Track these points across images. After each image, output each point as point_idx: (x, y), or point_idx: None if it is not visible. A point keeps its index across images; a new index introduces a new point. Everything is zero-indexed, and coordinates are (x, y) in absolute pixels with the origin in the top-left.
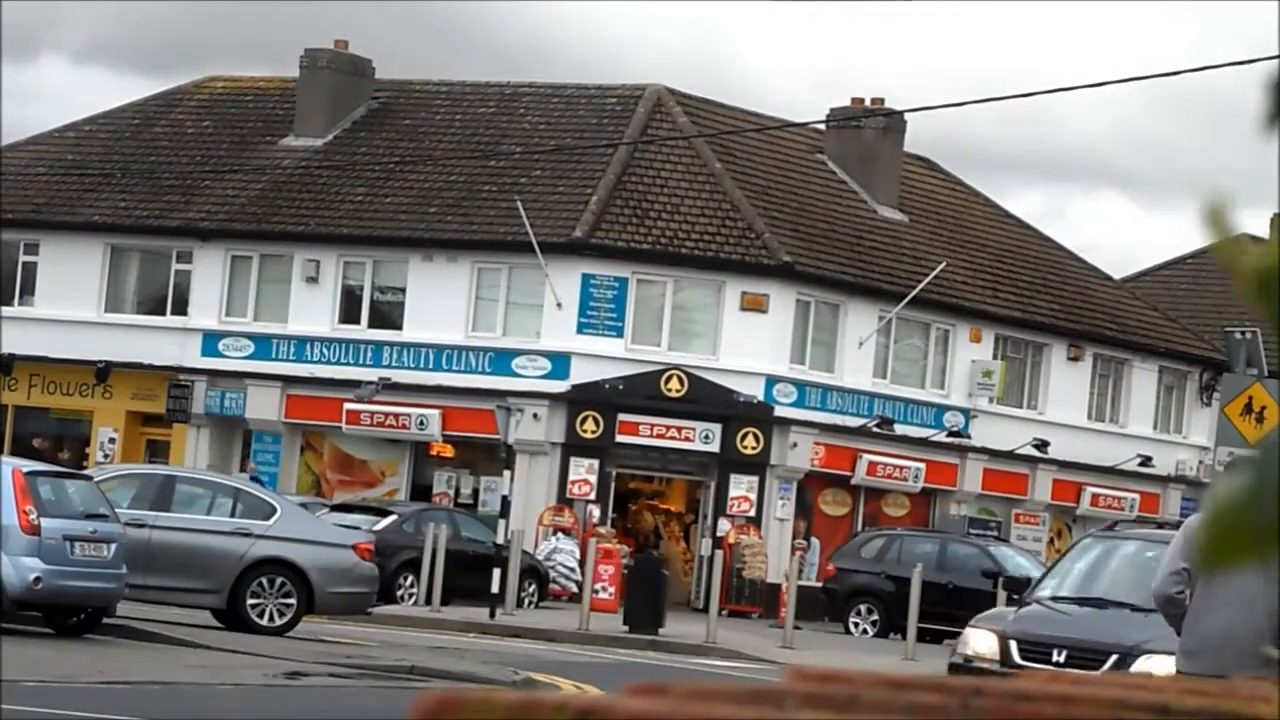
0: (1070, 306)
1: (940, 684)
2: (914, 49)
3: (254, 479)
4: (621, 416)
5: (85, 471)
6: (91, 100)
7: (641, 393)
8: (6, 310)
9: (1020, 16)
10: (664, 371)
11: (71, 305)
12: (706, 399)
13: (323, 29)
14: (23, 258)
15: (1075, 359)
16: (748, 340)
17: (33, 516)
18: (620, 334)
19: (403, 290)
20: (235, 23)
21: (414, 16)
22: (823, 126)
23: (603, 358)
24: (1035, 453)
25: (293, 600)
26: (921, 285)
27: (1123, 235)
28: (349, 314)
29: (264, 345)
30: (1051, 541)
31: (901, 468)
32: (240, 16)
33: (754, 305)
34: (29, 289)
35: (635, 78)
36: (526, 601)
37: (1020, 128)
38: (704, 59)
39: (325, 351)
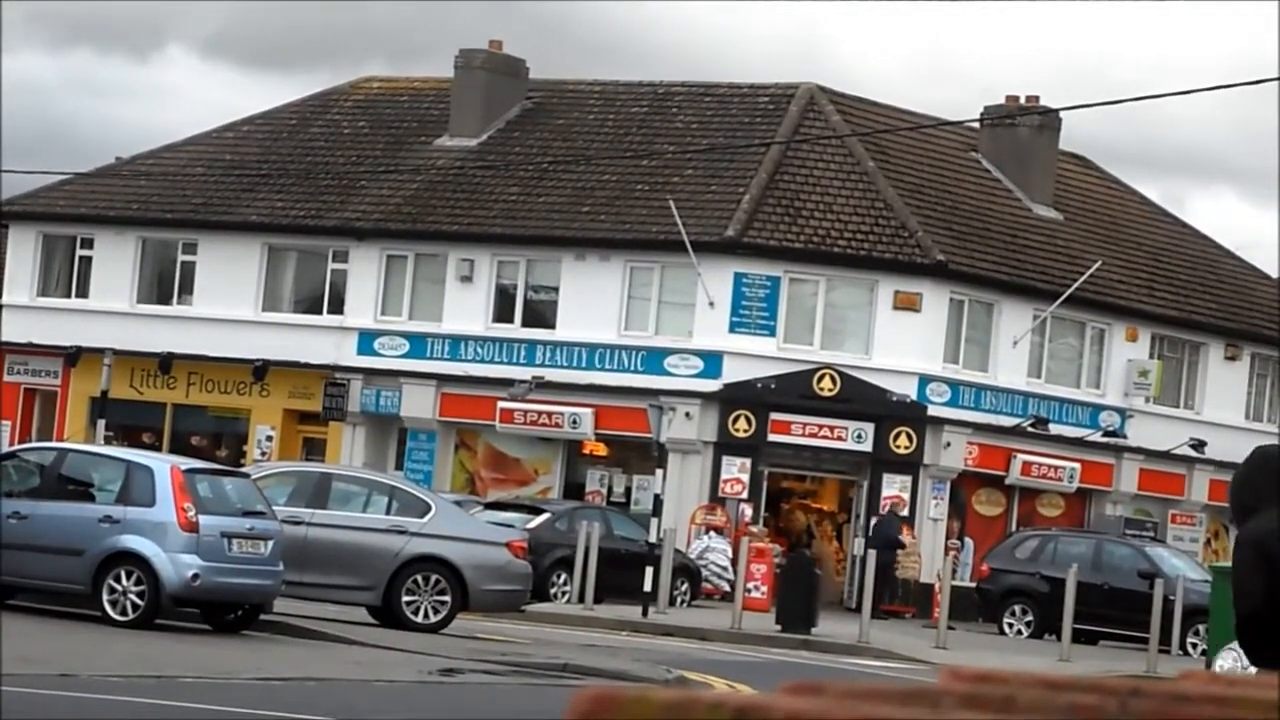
0: (1228, 305)
1: (1098, 685)
2: (1027, 44)
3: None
4: (774, 415)
5: (242, 469)
6: (215, 97)
7: (794, 392)
8: (166, 310)
9: (1123, 10)
10: (816, 370)
11: (229, 304)
12: (859, 398)
13: (479, 29)
14: (181, 257)
15: (1233, 358)
16: (900, 339)
17: (191, 514)
18: (772, 333)
19: (556, 289)
20: (354, 21)
21: (566, 16)
22: (977, 125)
23: (755, 356)
24: (1192, 453)
25: (447, 597)
26: (1077, 284)
27: (1241, 233)
28: (502, 313)
29: (419, 344)
30: (1208, 542)
31: (1056, 468)
32: (367, 14)
33: (907, 304)
34: (187, 288)
35: (751, 77)
36: (679, 600)
37: (1129, 122)
38: (811, 58)
39: (479, 350)
